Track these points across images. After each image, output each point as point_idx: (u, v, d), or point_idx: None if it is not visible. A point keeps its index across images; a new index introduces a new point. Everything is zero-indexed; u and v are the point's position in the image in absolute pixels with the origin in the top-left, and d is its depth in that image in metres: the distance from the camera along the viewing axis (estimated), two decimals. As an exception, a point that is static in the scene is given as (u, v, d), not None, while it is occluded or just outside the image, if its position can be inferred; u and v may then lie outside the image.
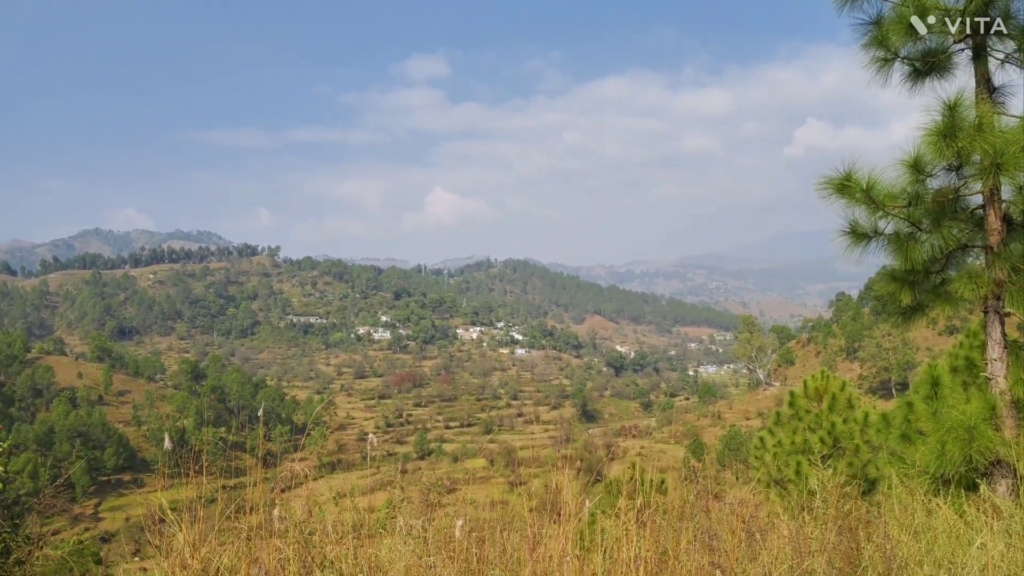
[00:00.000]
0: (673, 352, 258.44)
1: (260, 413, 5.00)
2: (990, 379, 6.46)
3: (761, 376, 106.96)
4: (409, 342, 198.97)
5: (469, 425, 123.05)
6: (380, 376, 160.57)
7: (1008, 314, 6.47)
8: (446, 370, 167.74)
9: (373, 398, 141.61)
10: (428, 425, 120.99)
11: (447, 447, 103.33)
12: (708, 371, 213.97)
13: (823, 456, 8.38)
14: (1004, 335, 6.47)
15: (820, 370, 11.84)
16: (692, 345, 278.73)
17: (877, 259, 6.83)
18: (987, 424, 6.15)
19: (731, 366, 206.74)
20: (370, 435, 77.05)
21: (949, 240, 6.43)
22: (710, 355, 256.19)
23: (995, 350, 6.45)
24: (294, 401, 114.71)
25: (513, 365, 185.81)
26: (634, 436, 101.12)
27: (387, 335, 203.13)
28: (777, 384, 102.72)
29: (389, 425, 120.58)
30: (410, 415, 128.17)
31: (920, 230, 6.55)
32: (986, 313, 6.51)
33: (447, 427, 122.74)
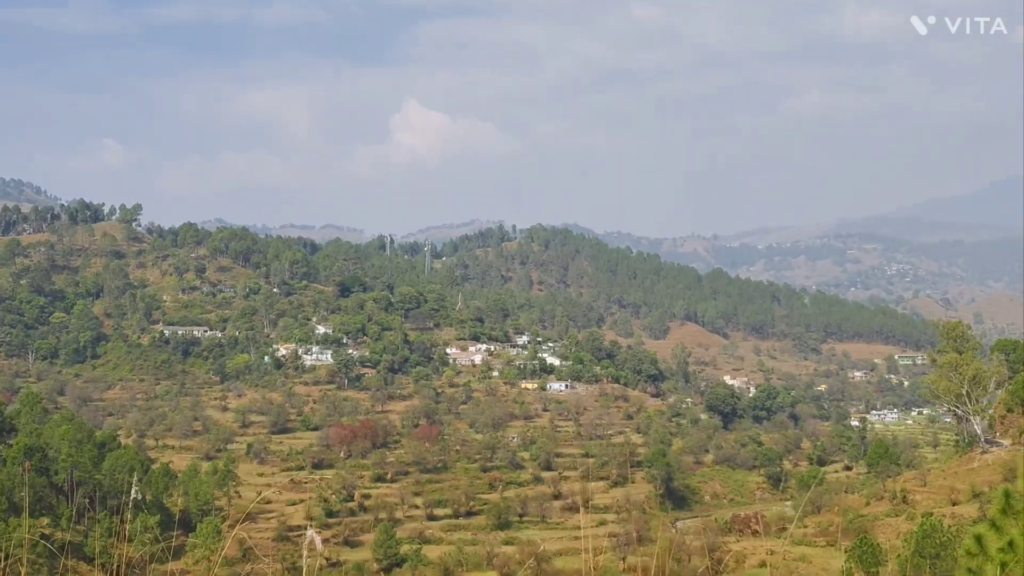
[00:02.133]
0: (824, 386, 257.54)
1: (135, 495, 4.92)
2: None
3: (978, 428, 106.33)
4: (366, 370, 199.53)
5: (469, 514, 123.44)
6: (315, 429, 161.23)
7: None
8: (429, 418, 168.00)
9: (303, 467, 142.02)
10: (399, 513, 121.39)
11: (431, 551, 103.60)
12: (885, 419, 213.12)
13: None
14: None
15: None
16: (857, 374, 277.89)
17: None
18: None
19: (925, 410, 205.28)
20: (309, 530, 77.71)
21: None
22: (888, 391, 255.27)
23: None
24: (167, 472, 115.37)
25: (545, 409, 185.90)
26: (756, 532, 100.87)
27: (327, 358, 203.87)
28: (1007, 443, 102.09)
29: (332, 514, 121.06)
30: (368, 496, 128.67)
31: None
32: None
33: (431, 517, 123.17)
